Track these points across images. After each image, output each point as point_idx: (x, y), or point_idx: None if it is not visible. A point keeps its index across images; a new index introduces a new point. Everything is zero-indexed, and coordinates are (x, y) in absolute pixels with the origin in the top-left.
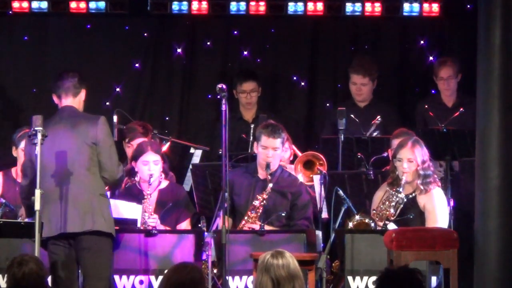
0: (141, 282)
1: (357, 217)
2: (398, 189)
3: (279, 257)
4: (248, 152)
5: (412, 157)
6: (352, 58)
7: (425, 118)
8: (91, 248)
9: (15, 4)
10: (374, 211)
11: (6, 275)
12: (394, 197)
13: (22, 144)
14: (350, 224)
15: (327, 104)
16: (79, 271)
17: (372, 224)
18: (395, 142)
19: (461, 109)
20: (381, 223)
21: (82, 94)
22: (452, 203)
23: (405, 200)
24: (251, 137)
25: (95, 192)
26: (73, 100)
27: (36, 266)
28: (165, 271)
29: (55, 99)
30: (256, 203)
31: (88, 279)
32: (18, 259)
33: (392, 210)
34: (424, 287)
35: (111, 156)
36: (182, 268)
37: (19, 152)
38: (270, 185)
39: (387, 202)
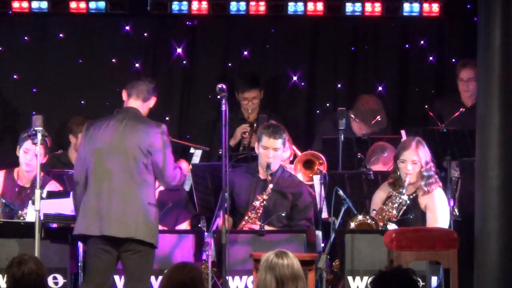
0: None
1: (360, 217)
2: (401, 190)
3: (284, 257)
4: (241, 149)
5: (416, 159)
6: (352, 58)
7: (441, 116)
8: (133, 251)
9: (15, 4)
10: (375, 211)
11: (5, 275)
12: (397, 198)
13: (24, 145)
14: (352, 224)
15: (327, 104)
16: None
17: (374, 224)
18: (373, 159)
19: (461, 109)
20: (382, 224)
21: (151, 101)
22: (452, 203)
23: (408, 202)
24: (248, 135)
25: (144, 201)
26: (142, 104)
27: (35, 266)
28: (165, 271)
29: (124, 95)
30: (257, 203)
31: (128, 279)
32: (17, 259)
33: (394, 212)
34: (419, 286)
35: (167, 166)
36: (182, 268)
37: (21, 152)
38: (271, 185)
39: (389, 204)
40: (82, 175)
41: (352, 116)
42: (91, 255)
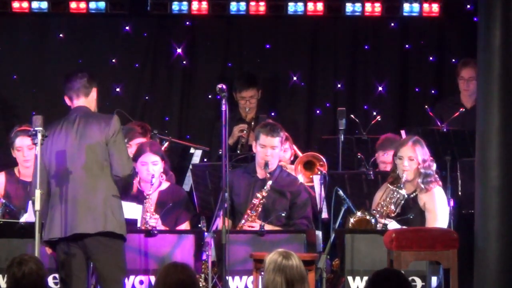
0: (141, 282)
1: (358, 213)
2: (399, 185)
3: (291, 258)
4: (239, 147)
5: (413, 155)
6: (352, 58)
7: (442, 118)
8: (104, 250)
9: (15, 4)
10: (374, 211)
11: (6, 275)
12: (395, 193)
13: (16, 144)
14: (352, 220)
15: (327, 104)
16: (90, 271)
17: (373, 221)
18: (381, 152)
19: (461, 109)
20: (382, 220)
21: (94, 93)
22: (452, 203)
23: (406, 196)
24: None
25: (108, 193)
26: (85, 100)
27: (35, 266)
28: (157, 275)
29: (66, 100)
30: (255, 201)
31: (102, 280)
32: (17, 259)
33: (392, 207)
34: (411, 286)
35: (122, 154)
36: (175, 268)
37: (16, 153)
38: (269, 182)
39: (387, 199)
40: (44, 181)
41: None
42: (60, 254)
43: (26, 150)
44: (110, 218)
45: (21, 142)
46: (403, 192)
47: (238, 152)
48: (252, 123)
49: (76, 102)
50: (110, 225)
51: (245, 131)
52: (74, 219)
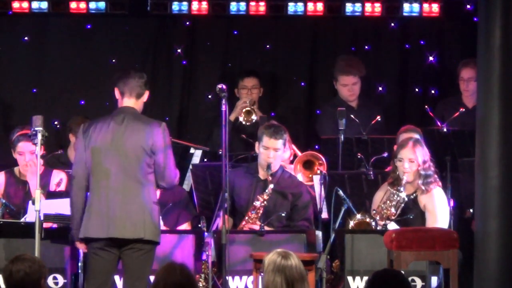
0: None
1: (358, 216)
2: (399, 188)
3: (290, 258)
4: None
5: (413, 157)
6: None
7: (444, 118)
8: (136, 249)
9: (15, 4)
10: (375, 211)
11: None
12: (395, 196)
13: (18, 148)
14: (351, 223)
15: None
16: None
17: (373, 224)
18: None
19: (461, 109)
20: (382, 222)
21: (145, 96)
22: (452, 203)
23: (406, 199)
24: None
25: (149, 200)
26: (136, 101)
27: (34, 266)
28: (156, 275)
29: (117, 94)
30: (257, 203)
31: (128, 278)
32: (16, 258)
33: (393, 210)
34: (411, 287)
35: (169, 165)
36: (173, 269)
37: (17, 155)
38: (271, 186)
39: (388, 202)
40: (82, 175)
41: (337, 77)
42: (92, 255)
43: (28, 154)
44: (149, 225)
45: (23, 147)
46: (403, 195)
47: (244, 121)
48: (254, 105)
49: (126, 101)
50: (149, 233)
51: (248, 103)
52: (113, 222)
